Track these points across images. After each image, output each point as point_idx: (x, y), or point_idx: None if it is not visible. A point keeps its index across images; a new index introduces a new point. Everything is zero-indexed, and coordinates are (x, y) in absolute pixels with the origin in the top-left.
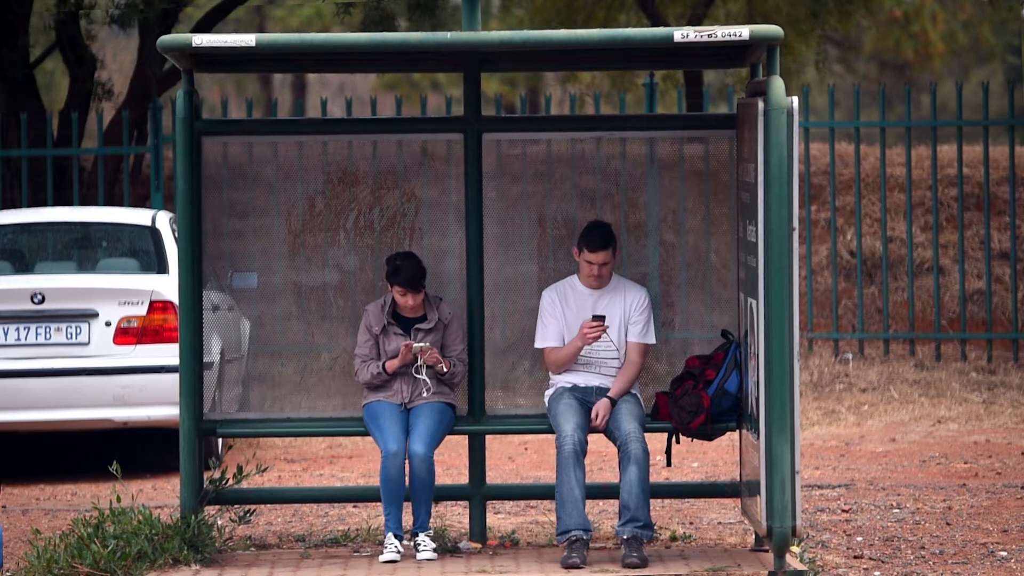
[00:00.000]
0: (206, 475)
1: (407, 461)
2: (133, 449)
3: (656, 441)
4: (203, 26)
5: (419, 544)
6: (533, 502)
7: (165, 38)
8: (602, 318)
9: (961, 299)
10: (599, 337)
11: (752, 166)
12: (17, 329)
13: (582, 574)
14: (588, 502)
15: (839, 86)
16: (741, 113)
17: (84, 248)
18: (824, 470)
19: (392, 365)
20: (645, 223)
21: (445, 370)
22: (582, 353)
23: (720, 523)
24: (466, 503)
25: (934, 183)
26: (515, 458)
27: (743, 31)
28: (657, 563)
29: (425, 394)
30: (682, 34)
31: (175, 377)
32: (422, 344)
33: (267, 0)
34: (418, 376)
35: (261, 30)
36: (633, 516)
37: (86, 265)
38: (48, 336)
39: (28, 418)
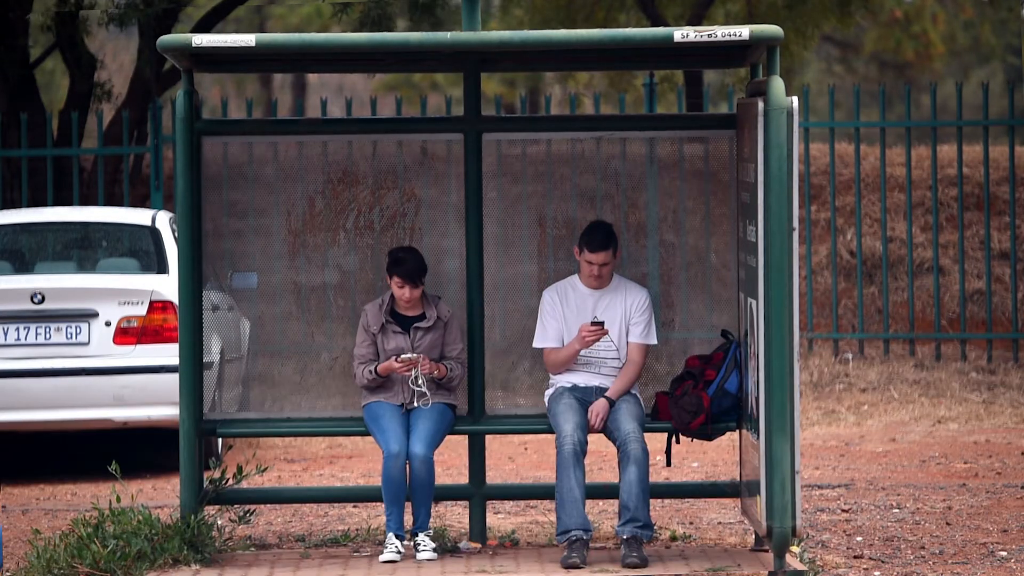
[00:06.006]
0: (206, 475)
1: (408, 462)
2: (133, 449)
3: (656, 441)
4: (203, 26)
5: (419, 544)
6: (533, 502)
7: (165, 38)
8: (601, 323)
9: (961, 299)
10: (597, 341)
11: (752, 166)
12: (17, 329)
13: (582, 574)
14: (588, 502)
15: (839, 86)
16: (741, 113)
17: (84, 248)
18: (824, 470)
19: (384, 368)
20: (645, 223)
21: (440, 375)
22: (582, 353)
23: (720, 523)
24: (466, 503)
25: (934, 183)
26: (515, 458)
27: (743, 31)
28: (657, 563)
29: (417, 403)
30: (682, 34)
31: (175, 377)
32: (411, 355)
33: (267, 0)
34: (415, 388)
35: (261, 30)
36: (633, 516)
37: (86, 265)
38: (48, 336)
39: (28, 418)
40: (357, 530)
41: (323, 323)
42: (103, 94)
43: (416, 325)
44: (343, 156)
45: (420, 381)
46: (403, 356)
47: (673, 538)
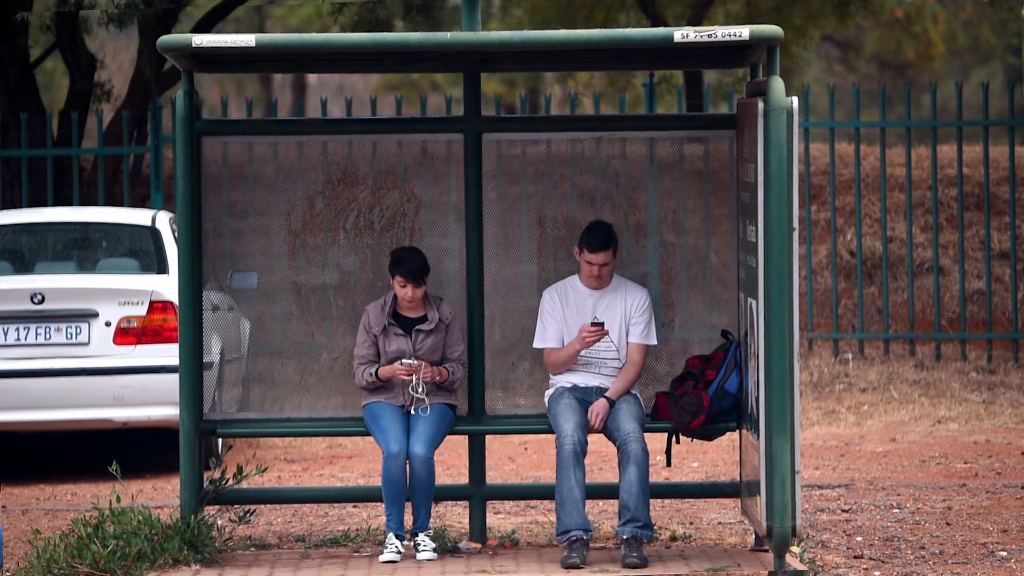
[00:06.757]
0: (206, 475)
1: (408, 462)
2: (133, 449)
3: (656, 441)
4: (203, 26)
5: (419, 544)
6: (533, 502)
7: (165, 38)
8: (602, 324)
9: (961, 299)
10: (598, 341)
11: (752, 166)
12: (17, 329)
13: (582, 574)
14: (588, 502)
15: (839, 86)
16: (741, 113)
17: (84, 248)
18: (824, 470)
19: (385, 372)
20: (645, 223)
21: (442, 379)
22: (582, 353)
23: (720, 523)
24: (466, 503)
25: (934, 183)
26: (515, 458)
27: (743, 31)
28: (657, 563)
29: (415, 410)
30: (682, 34)
31: (175, 377)
32: (412, 361)
33: (267, 0)
34: (415, 394)
35: (261, 30)
36: (633, 516)
37: (86, 265)
38: (48, 336)
39: (28, 418)
40: (357, 530)
41: (323, 323)
42: (103, 94)
43: (418, 328)
44: (343, 156)
45: (420, 388)
46: (404, 361)
47: (673, 538)
